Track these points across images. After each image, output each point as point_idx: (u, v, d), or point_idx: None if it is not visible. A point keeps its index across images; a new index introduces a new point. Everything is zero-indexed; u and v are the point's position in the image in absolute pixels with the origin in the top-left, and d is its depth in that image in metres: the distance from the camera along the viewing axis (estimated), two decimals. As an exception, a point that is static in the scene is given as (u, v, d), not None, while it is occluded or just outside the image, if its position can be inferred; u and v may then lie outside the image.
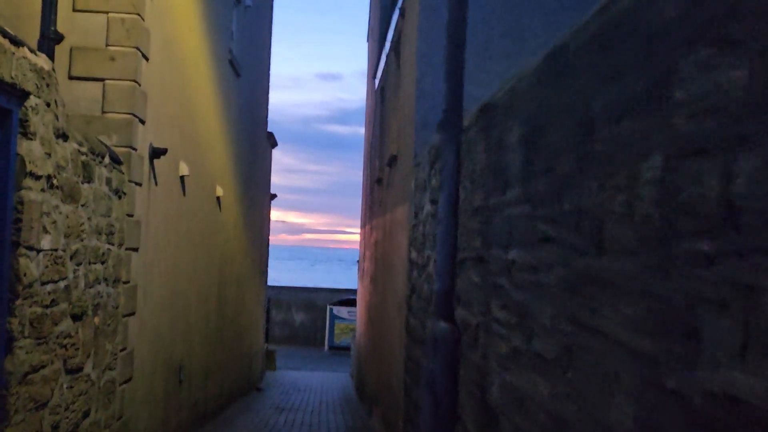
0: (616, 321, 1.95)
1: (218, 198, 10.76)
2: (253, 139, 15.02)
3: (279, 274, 60.58)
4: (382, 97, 12.11)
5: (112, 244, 5.66)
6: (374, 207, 13.16)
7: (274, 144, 19.21)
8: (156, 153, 6.78)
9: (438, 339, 3.45)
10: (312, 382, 19.95)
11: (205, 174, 9.71)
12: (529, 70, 2.93)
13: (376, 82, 13.85)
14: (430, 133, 6.95)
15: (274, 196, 19.89)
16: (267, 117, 17.63)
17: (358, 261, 24.35)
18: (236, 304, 13.42)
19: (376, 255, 12.03)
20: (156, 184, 7.08)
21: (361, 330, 16.59)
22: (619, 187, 1.96)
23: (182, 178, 8.18)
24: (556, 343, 2.44)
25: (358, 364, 17.27)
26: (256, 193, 15.96)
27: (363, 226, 17.40)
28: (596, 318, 2.09)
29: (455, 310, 3.57)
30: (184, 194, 8.37)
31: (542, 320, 2.59)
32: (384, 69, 11.62)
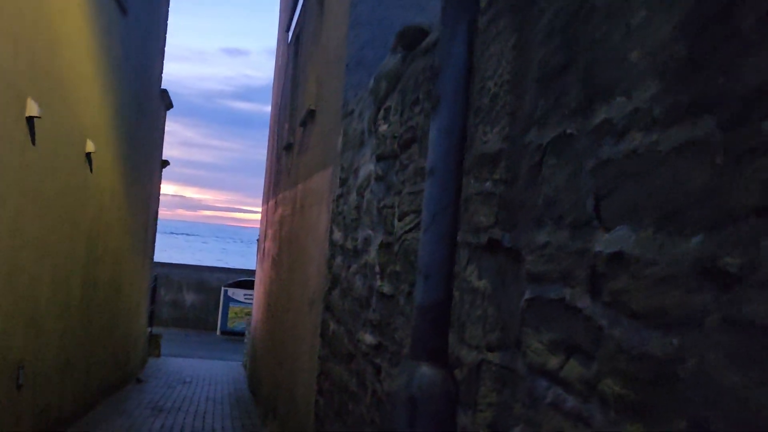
0: None
1: (88, 155, 8.69)
2: (141, 94, 12.88)
3: (173, 252, 57.68)
4: (297, 48, 10.28)
5: None
6: (281, 178, 11.34)
7: (168, 105, 17.00)
8: (-20, 76, 4.80)
9: (418, 398, 1.77)
10: (200, 372, 17.95)
11: (69, 123, 7.66)
12: None
13: (290, 34, 11.98)
14: (366, 73, 5.23)
15: (166, 163, 17.69)
16: (162, 73, 15.44)
17: (257, 240, 22.40)
18: (111, 285, 11.33)
19: (281, 234, 10.25)
20: (-17, 121, 5.09)
21: (258, 317, 14.74)
22: None
23: (30, 120, 6.17)
24: None
25: (253, 355, 15.43)
26: (143, 158, 13.81)
27: (266, 202, 15.52)
28: None
29: (447, 341, 1.89)
30: (34, 143, 6.36)
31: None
32: (301, 12, 9.79)
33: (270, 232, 13.36)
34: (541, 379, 1.66)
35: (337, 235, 5.06)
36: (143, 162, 13.89)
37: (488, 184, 2.04)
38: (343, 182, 5.01)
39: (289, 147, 10.20)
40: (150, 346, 19.52)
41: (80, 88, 8.04)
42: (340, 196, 5.11)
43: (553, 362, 1.61)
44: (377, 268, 3.49)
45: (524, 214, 1.82)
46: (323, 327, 5.21)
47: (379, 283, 3.43)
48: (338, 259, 4.94)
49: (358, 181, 4.27)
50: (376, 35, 5.30)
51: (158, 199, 17.29)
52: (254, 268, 29.95)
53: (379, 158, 3.58)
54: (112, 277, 11.33)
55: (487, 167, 2.06)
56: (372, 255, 3.61)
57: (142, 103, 12.99)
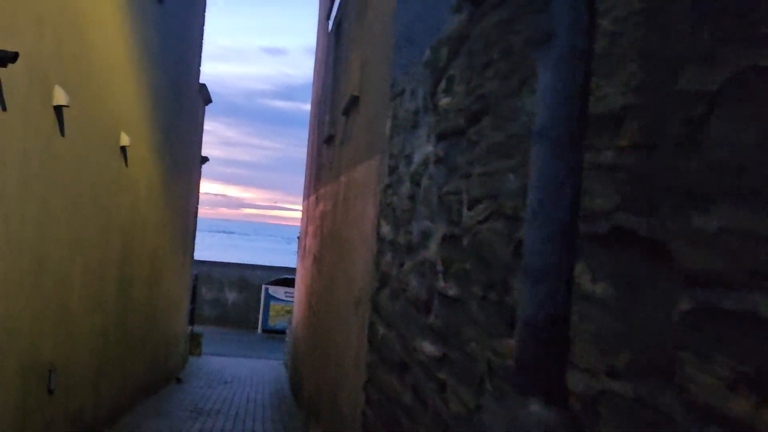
0: None
1: (123, 149, 8.34)
2: (179, 87, 12.55)
3: (215, 250, 57.91)
4: (338, 35, 9.82)
5: None
6: (322, 172, 10.89)
7: (207, 100, 16.70)
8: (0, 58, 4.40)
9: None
10: (241, 372, 17.63)
11: (101, 113, 7.29)
12: None
13: (330, 22, 11.52)
14: (417, 50, 4.72)
15: (206, 159, 17.40)
16: (200, 66, 15.13)
17: (298, 237, 22.03)
18: (149, 282, 11.01)
19: (323, 230, 9.79)
20: (4, 108, 4.69)
21: (299, 317, 14.34)
22: None
23: (58, 109, 5.78)
24: None
25: (294, 355, 15.04)
26: (181, 153, 13.49)
27: (306, 198, 15.10)
28: None
29: (567, 371, 1.38)
30: (63, 133, 5.98)
31: None
32: (343, -2, 9.32)
33: (311, 228, 12.93)
34: (713, 427, 1.14)
35: (386, 230, 4.56)
36: (181, 157, 13.58)
37: (609, 153, 1.52)
38: (393, 171, 4.51)
39: (330, 139, 9.74)
40: (191, 344, 19.29)
41: (113, 77, 7.67)
42: (389, 186, 4.61)
43: (736, 404, 1.09)
44: (439, 266, 2.98)
45: (673, 191, 1.29)
46: (371, 330, 4.72)
47: (441, 283, 2.93)
48: (387, 256, 4.44)
49: (412, 168, 3.76)
50: (427, 8, 4.79)
51: (198, 195, 17.01)
52: (295, 266, 29.69)
53: (440, 137, 3.07)
54: (149, 274, 11.01)
55: (606, 132, 1.53)
56: (432, 250, 3.10)
57: (180, 97, 12.66)
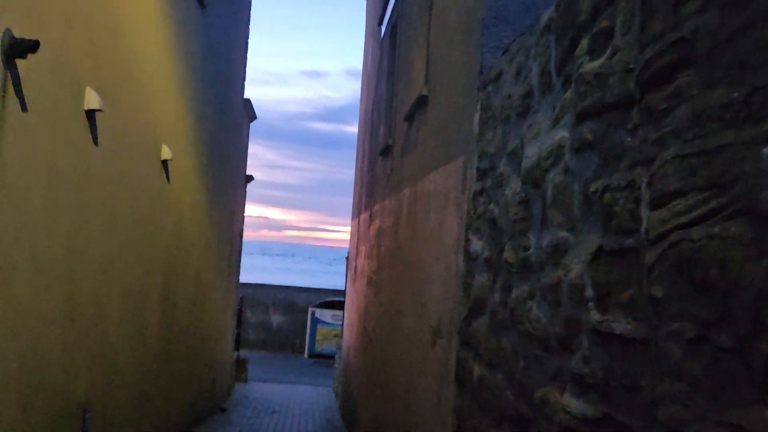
0: None
1: (165, 163, 7.68)
2: (222, 100, 11.94)
3: (259, 273, 57.64)
4: (394, 38, 9.08)
5: None
6: (376, 188, 10.13)
7: (252, 116, 16.13)
8: (18, 46, 3.72)
9: None
10: (289, 399, 16.88)
11: (139, 123, 6.63)
12: None
13: (383, 27, 10.82)
14: (509, 29, 3.94)
15: (251, 178, 16.79)
16: (244, 81, 14.55)
17: (347, 258, 21.27)
18: (194, 308, 10.34)
19: (380, 249, 9.01)
20: (24, 108, 4.01)
21: (351, 342, 13.54)
22: None
23: (91, 114, 5.11)
24: None
25: (346, 383, 14.23)
26: (226, 170, 12.87)
27: (356, 216, 14.37)
28: None
29: None
30: (96, 142, 5.30)
31: None
32: (399, -4, 8.59)
33: (363, 248, 12.17)
34: None
35: (478, 246, 3.75)
36: (226, 175, 12.95)
37: None
38: (485, 173, 3.71)
39: (387, 151, 8.98)
40: (237, 371, 18.61)
41: (152, 85, 7.02)
42: (480, 192, 3.80)
43: None
44: (589, 291, 2.16)
45: None
46: (461, 369, 3.89)
47: (596, 315, 2.10)
48: (481, 278, 3.63)
49: (525, 165, 2.95)
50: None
51: (243, 215, 16.39)
52: (342, 288, 28.92)
53: (585, 115, 2.25)
54: (194, 299, 10.34)
55: None
56: (574, 271, 2.27)
57: (223, 112, 12.05)
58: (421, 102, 6.08)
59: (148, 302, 7.39)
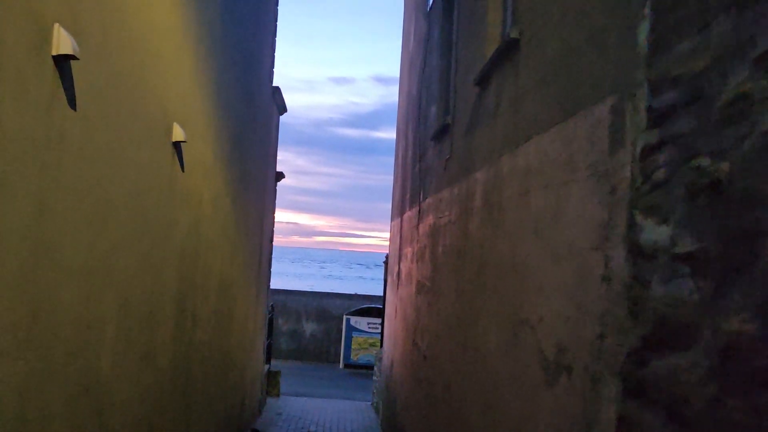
0: None
1: (177, 146, 6.26)
2: (249, 86, 10.55)
3: (289, 279, 56.51)
4: (446, 2, 7.61)
5: None
6: (428, 179, 8.65)
7: (282, 107, 14.74)
8: None
9: None
10: (325, 416, 15.44)
11: (140, 89, 5.19)
12: None
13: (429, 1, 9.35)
14: None
15: (281, 175, 15.40)
16: (273, 67, 13.16)
17: (385, 262, 19.77)
18: (218, 319, 8.93)
19: (436, 250, 7.51)
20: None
21: (396, 356, 12.05)
22: None
23: (62, 62, 3.68)
24: None
25: (389, 401, 12.75)
26: (254, 164, 11.47)
27: (398, 215, 12.89)
28: None
29: None
30: (73, 104, 3.88)
31: None
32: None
33: (409, 250, 10.68)
34: None
35: (659, 233, 2.25)
36: (254, 169, 11.55)
37: None
38: (672, 112, 2.20)
39: (442, 132, 7.50)
40: (268, 384, 17.22)
41: (155, 42, 5.59)
42: (657, 147, 2.30)
43: None
44: None
45: None
46: (624, 429, 2.38)
47: None
48: (674, 286, 2.12)
49: None
50: None
51: (273, 216, 14.99)
52: (377, 294, 27.43)
53: None
54: (218, 309, 8.93)
55: None
56: None
57: (250, 96, 10.65)
58: (506, 52, 4.57)
59: (157, 316, 5.97)
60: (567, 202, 3.21)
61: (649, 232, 2.33)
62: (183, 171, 6.55)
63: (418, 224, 9.53)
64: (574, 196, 3.12)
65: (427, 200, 8.68)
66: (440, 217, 7.36)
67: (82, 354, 4.25)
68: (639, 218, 2.42)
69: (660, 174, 2.28)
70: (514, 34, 4.32)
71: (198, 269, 7.54)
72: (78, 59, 3.74)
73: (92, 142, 4.18)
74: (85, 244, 4.19)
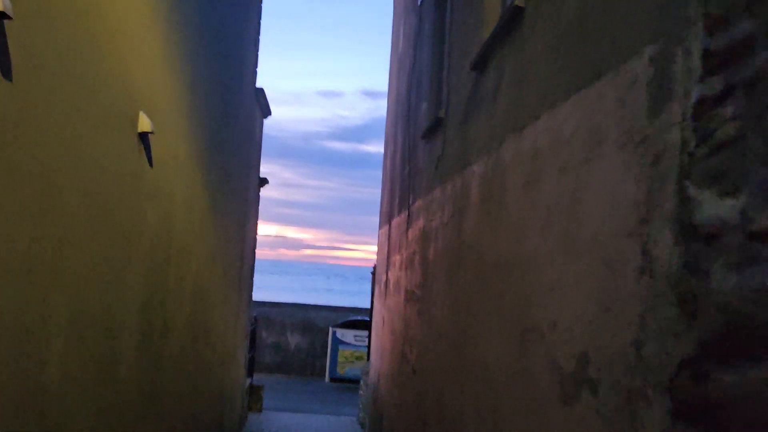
0: None
1: (143, 137, 5.70)
2: (229, 82, 10.02)
3: (274, 291, 55.82)
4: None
5: None
6: (417, 180, 8.12)
7: (265, 110, 14.20)
8: None
9: None
10: (309, 432, 14.81)
11: (98, 67, 4.64)
12: None
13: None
14: None
15: (265, 181, 14.83)
16: (256, 66, 12.62)
17: (372, 273, 19.19)
18: (193, 330, 8.34)
19: (427, 255, 6.97)
20: None
21: (383, 370, 11.47)
22: None
23: (-6, 24, 3.13)
24: None
25: (375, 418, 12.16)
26: (235, 167, 10.91)
27: (387, 222, 12.35)
28: None
29: None
30: (7, 74, 3.33)
31: None
32: None
33: (398, 257, 10.14)
34: None
35: (723, 208, 1.71)
36: (235, 171, 10.99)
37: None
38: (742, 52, 1.67)
39: (434, 128, 6.98)
40: (250, 400, 16.57)
41: (116, 14, 5.04)
42: (719, 99, 1.76)
43: None
44: None
45: None
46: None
47: None
48: (740, 275, 1.58)
49: None
50: None
51: (256, 223, 14.41)
52: (364, 306, 26.81)
53: None
54: (193, 319, 8.34)
55: None
56: None
57: (232, 95, 10.11)
58: (508, 26, 4.05)
59: (120, 324, 5.38)
60: (589, 184, 2.69)
61: (710, 207, 1.81)
62: (151, 166, 5.99)
63: (407, 230, 8.99)
64: (599, 174, 2.59)
65: (416, 203, 8.15)
66: (431, 220, 6.83)
67: (19, 364, 3.67)
68: (693, 191, 1.90)
69: (726, 131, 1.76)
70: (519, 2, 3.80)
71: (170, 274, 6.96)
72: (11, 18, 3.19)
73: (33, 120, 3.62)
74: (24, 238, 3.62)
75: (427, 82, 7.84)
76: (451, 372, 5.24)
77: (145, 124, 5.61)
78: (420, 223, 7.65)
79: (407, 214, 9.04)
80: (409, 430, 7.33)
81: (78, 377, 4.48)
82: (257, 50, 12.61)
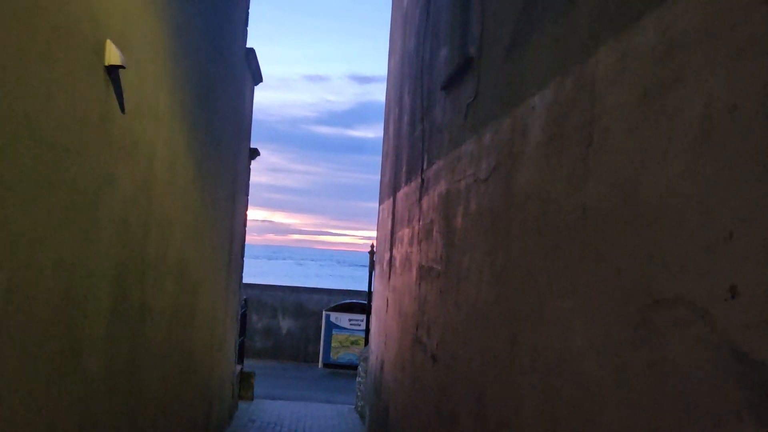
0: None
1: (112, 72, 4.59)
2: (218, 34, 8.90)
3: (264, 277, 54.92)
4: None
5: None
6: (435, 141, 7.07)
7: (257, 78, 13.07)
8: None
9: None
10: (304, 422, 13.81)
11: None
12: None
13: None
14: None
15: (256, 152, 13.73)
16: (246, 26, 11.48)
17: (370, 252, 18.16)
18: (176, 313, 7.28)
19: (450, 224, 5.91)
20: None
21: (388, 356, 10.45)
22: None
23: None
24: None
25: (379, 408, 11.16)
26: (223, 131, 9.81)
27: (390, 195, 11.30)
28: None
29: None
30: None
31: None
32: None
33: (406, 231, 9.09)
34: None
35: None
36: (226, 136, 9.89)
37: None
38: None
39: (461, 73, 5.91)
40: (240, 388, 15.54)
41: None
42: None
43: None
44: None
45: None
46: None
47: None
48: None
49: None
50: None
51: (247, 197, 13.32)
52: (359, 289, 25.78)
53: None
54: (177, 301, 7.27)
55: None
56: None
57: (220, 49, 9.00)
58: None
59: (85, 308, 4.30)
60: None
61: None
62: (123, 112, 4.89)
63: (420, 198, 7.94)
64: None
65: (433, 167, 7.09)
66: (458, 180, 5.77)
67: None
68: None
69: None
70: None
71: (149, 247, 5.89)
72: None
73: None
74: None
75: (447, 23, 6.77)
76: (497, 363, 4.20)
77: (114, 55, 4.51)
78: (441, 187, 6.61)
79: (420, 181, 7.99)
80: (430, 428, 6.30)
81: (28, 365, 3.41)
82: (247, 7, 11.47)
